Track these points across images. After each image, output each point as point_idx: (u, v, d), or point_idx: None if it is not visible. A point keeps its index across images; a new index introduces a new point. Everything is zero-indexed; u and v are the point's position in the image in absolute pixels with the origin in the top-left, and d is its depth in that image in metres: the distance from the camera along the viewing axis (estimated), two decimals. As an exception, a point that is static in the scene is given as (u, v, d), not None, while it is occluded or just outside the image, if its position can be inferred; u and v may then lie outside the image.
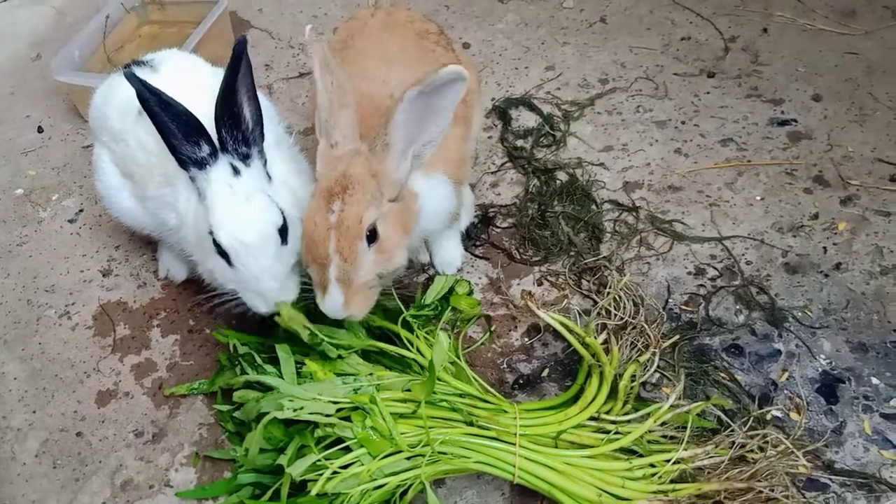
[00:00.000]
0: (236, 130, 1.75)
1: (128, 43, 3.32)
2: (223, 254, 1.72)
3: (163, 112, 1.69)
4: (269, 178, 1.82)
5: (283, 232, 1.75)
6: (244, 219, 1.71)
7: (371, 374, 1.77)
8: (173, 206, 1.90)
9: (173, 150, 1.73)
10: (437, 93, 1.63)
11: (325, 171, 1.71)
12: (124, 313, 2.29)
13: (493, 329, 2.15)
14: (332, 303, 1.68)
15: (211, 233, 1.70)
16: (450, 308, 2.04)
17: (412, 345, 1.86)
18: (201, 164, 1.74)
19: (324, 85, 1.71)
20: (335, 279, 1.65)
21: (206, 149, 1.73)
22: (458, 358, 1.87)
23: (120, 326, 2.26)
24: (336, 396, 1.70)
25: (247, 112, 1.77)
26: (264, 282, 1.74)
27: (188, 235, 1.87)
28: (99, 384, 2.11)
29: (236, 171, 1.74)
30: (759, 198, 2.47)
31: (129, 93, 2.00)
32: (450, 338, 1.95)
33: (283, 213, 1.75)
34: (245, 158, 1.77)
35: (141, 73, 2.04)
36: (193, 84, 2.01)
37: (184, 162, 1.74)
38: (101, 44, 3.19)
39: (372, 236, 1.67)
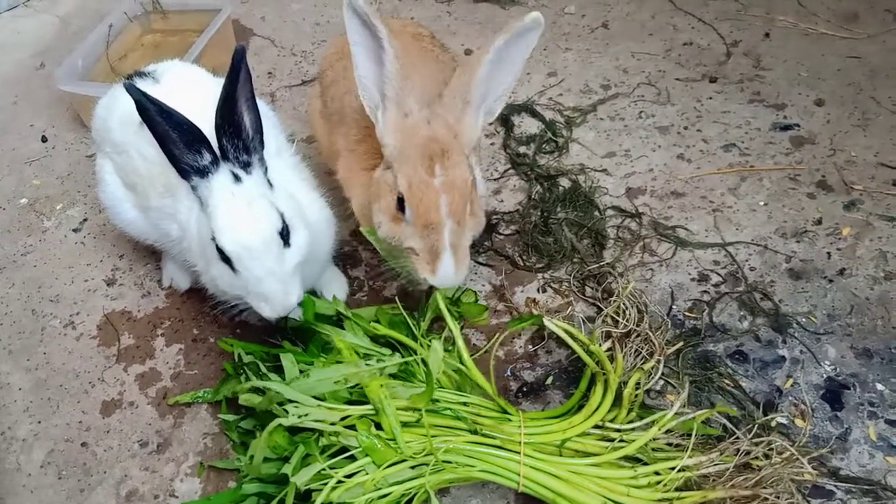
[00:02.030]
0: (237, 139, 1.76)
1: (131, 52, 3.33)
2: (226, 260, 1.72)
3: (163, 122, 1.70)
4: (271, 185, 1.82)
5: (285, 235, 1.75)
6: (245, 223, 1.71)
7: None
8: (174, 217, 1.91)
9: (174, 161, 1.74)
10: (515, 42, 1.70)
11: (404, 140, 1.72)
12: (129, 323, 2.30)
13: (509, 330, 2.14)
14: (446, 269, 1.67)
15: (214, 239, 1.71)
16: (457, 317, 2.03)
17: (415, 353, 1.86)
18: (203, 173, 1.74)
19: (395, 51, 1.70)
20: (449, 244, 1.66)
21: (207, 157, 1.74)
22: (464, 364, 1.87)
23: (124, 336, 2.26)
24: (352, 380, 1.73)
25: (247, 120, 1.78)
26: (268, 284, 1.74)
27: (191, 245, 1.87)
28: (104, 394, 2.11)
29: (237, 179, 1.75)
30: (762, 203, 2.47)
31: (130, 104, 2.00)
32: (451, 346, 1.96)
33: (283, 216, 1.75)
34: (246, 166, 1.77)
35: (143, 84, 2.05)
36: (195, 95, 2.02)
37: (185, 171, 1.75)
38: (104, 53, 3.19)
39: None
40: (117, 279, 2.44)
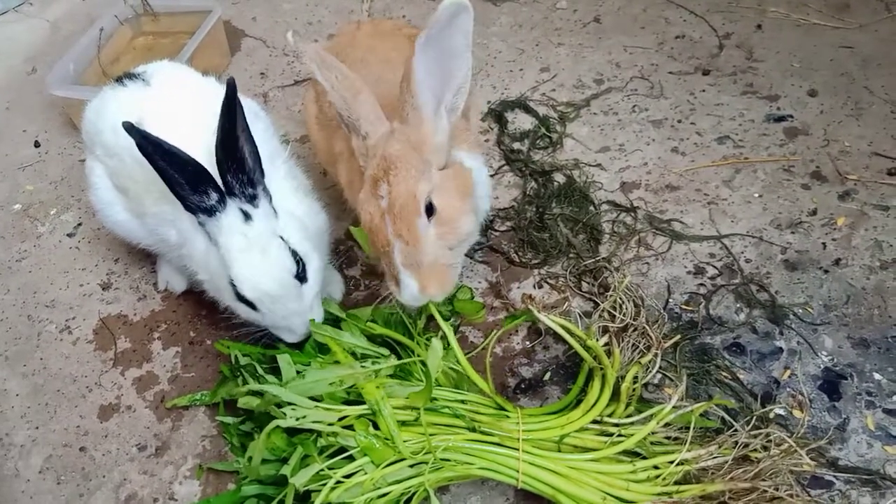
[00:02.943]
0: (241, 174, 1.75)
1: (123, 55, 3.32)
2: (247, 301, 1.75)
3: (167, 164, 1.68)
4: (275, 212, 1.83)
5: (301, 274, 1.78)
6: (264, 272, 1.73)
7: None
8: (174, 224, 1.90)
9: (180, 198, 1.74)
10: (446, 33, 1.59)
11: (368, 163, 1.70)
12: (125, 326, 2.29)
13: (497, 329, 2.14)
14: (407, 290, 1.65)
15: (232, 283, 1.73)
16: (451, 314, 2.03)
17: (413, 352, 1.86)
18: (210, 212, 1.74)
19: (329, 83, 1.68)
20: (402, 265, 1.63)
21: (214, 196, 1.73)
22: (460, 363, 1.86)
23: (121, 340, 2.26)
24: (347, 382, 1.73)
25: (247, 152, 1.77)
26: (291, 319, 1.80)
27: (193, 257, 1.87)
28: (101, 398, 2.11)
29: (247, 217, 1.75)
30: (756, 195, 2.47)
31: (121, 106, 2.01)
32: (448, 345, 1.96)
33: (297, 255, 1.77)
34: (252, 199, 1.77)
35: (134, 86, 2.05)
36: (187, 96, 2.02)
37: (191, 208, 1.75)
38: (95, 57, 3.19)
39: (429, 210, 1.63)
40: (113, 283, 2.44)
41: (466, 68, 1.69)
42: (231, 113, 1.69)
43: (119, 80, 2.10)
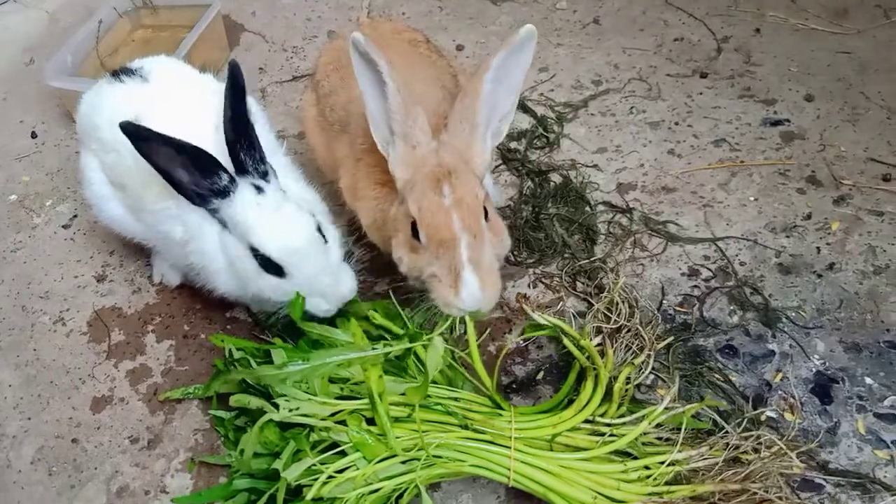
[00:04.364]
0: (253, 150, 1.78)
1: (121, 47, 3.32)
2: (273, 268, 1.75)
3: (171, 151, 1.69)
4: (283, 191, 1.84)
5: (321, 232, 1.79)
6: (286, 227, 1.75)
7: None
8: (180, 219, 1.90)
9: (182, 189, 1.75)
10: (512, 59, 1.68)
11: (414, 171, 1.71)
12: (119, 319, 2.29)
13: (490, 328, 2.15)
14: (469, 288, 1.60)
15: (255, 253, 1.74)
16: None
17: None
18: (224, 194, 1.76)
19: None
20: (468, 259, 1.60)
21: (225, 177, 1.75)
22: (455, 361, 1.87)
23: (115, 332, 2.25)
24: (354, 364, 1.73)
25: (253, 131, 1.79)
26: (321, 279, 1.78)
27: (204, 250, 1.86)
28: (94, 390, 2.11)
29: (259, 190, 1.77)
30: (752, 198, 2.47)
31: (118, 100, 2.01)
32: (447, 341, 1.96)
33: (314, 215, 1.79)
34: (264, 176, 1.80)
35: (131, 81, 2.04)
36: (185, 92, 2.02)
37: (201, 197, 1.75)
38: (94, 48, 3.18)
39: (485, 214, 1.67)
40: (107, 275, 2.44)
41: (515, 97, 1.78)
42: (238, 93, 1.74)
43: (115, 74, 2.09)
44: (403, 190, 1.74)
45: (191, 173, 1.73)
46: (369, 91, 1.72)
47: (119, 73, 2.09)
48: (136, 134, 1.68)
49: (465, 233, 1.61)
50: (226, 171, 1.75)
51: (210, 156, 1.73)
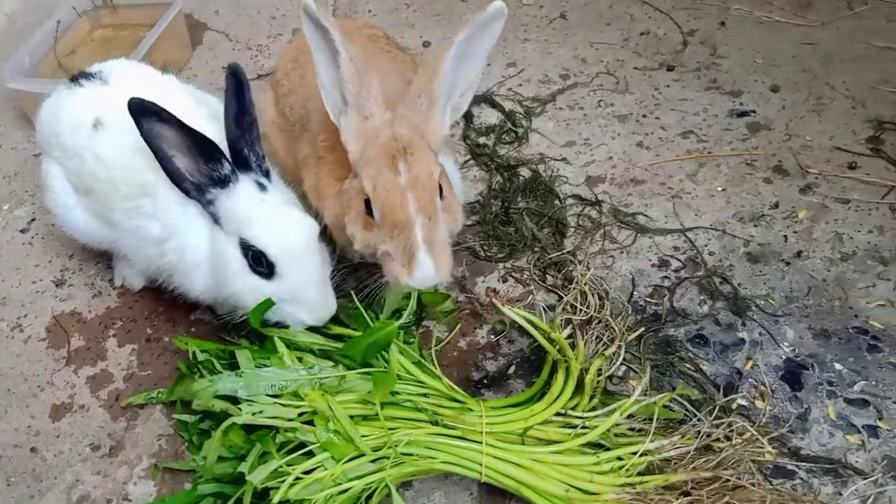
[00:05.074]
0: (257, 147, 1.76)
1: (80, 47, 3.24)
2: (263, 267, 1.70)
3: (178, 133, 1.65)
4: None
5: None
6: (289, 227, 1.72)
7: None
8: (155, 217, 1.84)
9: (178, 178, 1.70)
10: (479, 35, 1.67)
11: (367, 144, 1.68)
12: (79, 324, 2.23)
13: (461, 324, 2.13)
14: (423, 269, 1.59)
15: (247, 249, 1.69)
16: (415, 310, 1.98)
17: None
18: (224, 183, 1.71)
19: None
20: (423, 241, 1.59)
21: (227, 167, 1.72)
22: (424, 357, 1.84)
23: (74, 337, 2.19)
24: (297, 382, 1.69)
25: (257, 128, 1.78)
26: (311, 289, 1.74)
27: (184, 247, 1.81)
28: (53, 398, 2.05)
29: (262, 187, 1.75)
30: (720, 189, 2.47)
31: (78, 106, 1.96)
32: (414, 337, 1.93)
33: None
34: (267, 175, 1.78)
35: (91, 85, 2.00)
36: (146, 92, 1.95)
37: (198, 187, 1.71)
38: (51, 49, 3.10)
39: (440, 192, 1.64)
40: (67, 280, 2.37)
41: (478, 72, 1.76)
42: (241, 91, 1.72)
43: (74, 79, 2.05)
44: (356, 164, 1.71)
45: (193, 158, 1.69)
46: (321, 59, 1.69)
47: (78, 77, 2.05)
48: (143, 112, 1.63)
49: (420, 215, 1.59)
50: (229, 160, 1.72)
51: (214, 144, 1.69)
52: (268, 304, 1.75)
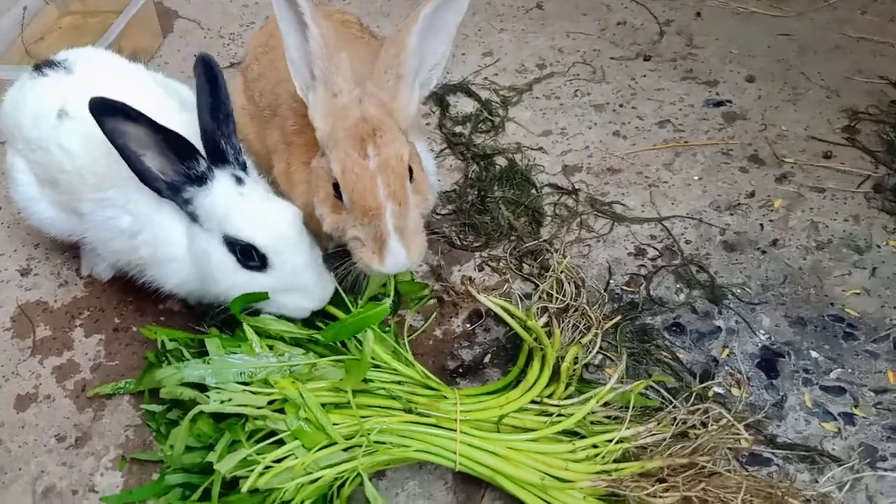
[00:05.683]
0: (233, 140, 1.71)
1: (48, 34, 3.17)
2: (255, 260, 1.66)
3: (151, 133, 1.58)
4: None
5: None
6: (274, 216, 1.68)
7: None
8: (125, 208, 1.77)
9: (148, 178, 1.63)
10: (444, 8, 1.62)
11: (335, 122, 1.63)
12: (44, 314, 2.17)
13: (440, 312, 2.10)
14: (395, 256, 1.56)
15: (233, 245, 1.65)
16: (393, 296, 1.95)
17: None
18: (201, 180, 1.65)
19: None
20: (394, 227, 1.55)
21: (203, 164, 1.66)
22: (399, 346, 1.81)
23: (40, 327, 2.13)
24: (267, 369, 1.65)
25: (233, 121, 1.72)
26: (307, 274, 1.71)
27: (158, 241, 1.75)
28: (18, 388, 1.99)
29: (240, 181, 1.69)
30: (696, 178, 2.47)
31: (41, 94, 1.90)
32: (390, 325, 1.91)
33: None
34: (244, 168, 1.73)
35: (55, 74, 1.94)
36: (113, 83, 1.89)
37: (173, 187, 1.65)
38: (18, 36, 3.03)
39: (409, 175, 1.60)
40: (32, 269, 2.31)
41: (447, 47, 1.72)
42: (215, 83, 1.67)
43: (38, 68, 1.98)
44: (324, 143, 1.67)
45: (166, 158, 1.62)
46: (290, 33, 1.64)
47: (41, 66, 1.98)
48: (106, 110, 1.55)
49: (390, 201, 1.55)
50: (204, 157, 1.66)
51: (186, 140, 1.62)
52: (260, 296, 1.71)
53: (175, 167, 1.63)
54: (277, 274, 1.69)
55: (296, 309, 1.76)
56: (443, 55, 1.73)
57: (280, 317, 1.77)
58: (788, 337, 1.99)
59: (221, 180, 1.68)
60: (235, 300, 1.71)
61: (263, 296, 1.71)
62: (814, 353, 1.95)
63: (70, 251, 2.32)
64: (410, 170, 1.61)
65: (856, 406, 1.83)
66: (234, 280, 1.70)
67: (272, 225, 1.67)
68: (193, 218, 1.70)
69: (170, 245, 1.75)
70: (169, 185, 1.65)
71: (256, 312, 1.78)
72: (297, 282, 1.72)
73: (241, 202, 1.67)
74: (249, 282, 1.70)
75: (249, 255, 1.66)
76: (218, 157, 1.69)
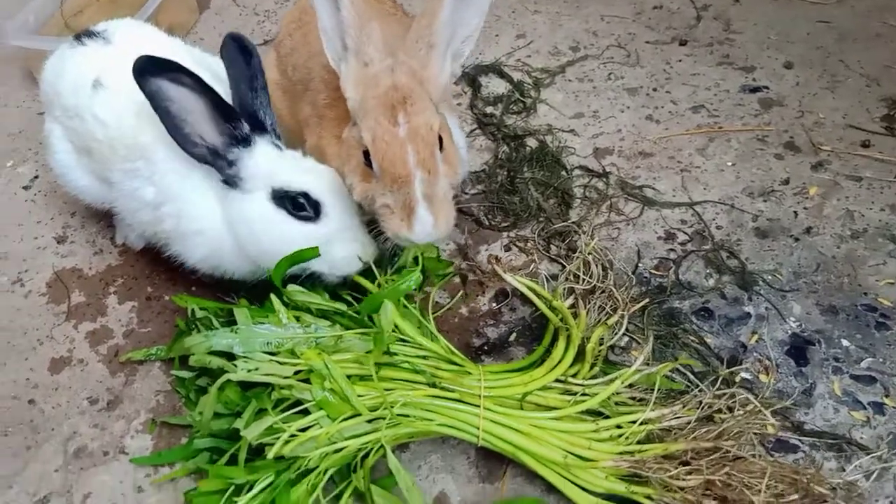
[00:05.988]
0: (270, 110, 1.78)
1: (87, 7, 3.20)
2: (309, 209, 1.70)
3: (198, 93, 1.62)
4: None
5: None
6: (318, 169, 1.75)
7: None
8: (150, 180, 1.81)
9: (190, 142, 1.66)
10: None
11: (366, 91, 1.63)
12: (79, 280, 2.21)
13: (464, 292, 2.10)
14: (423, 224, 1.55)
15: (283, 198, 1.69)
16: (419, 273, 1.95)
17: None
18: (247, 142, 1.70)
19: None
20: (422, 195, 1.55)
21: (246, 126, 1.70)
22: (424, 319, 1.82)
23: (75, 293, 2.18)
24: (294, 339, 1.67)
25: (267, 93, 1.79)
26: (357, 224, 1.76)
27: (184, 213, 1.79)
28: (52, 351, 2.04)
29: (279, 149, 1.76)
30: (730, 163, 2.44)
31: (79, 63, 1.94)
32: (415, 301, 1.91)
33: None
34: (280, 138, 1.78)
35: (94, 45, 1.98)
36: (149, 53, 1.92)
37: (214, 151, 1.68)
38: (58, 8, 3.07)
39: (440, 145, 1.60)
40: (68, 237, 2.36)
41: (480, 19, 1.71)
42: (249, 57, 1.74)
43: (78, 37, 2.02)
44: (355, 112, 1.67)
45: (211, 120, 1.65)
46: (323, 4, 1.65)
47: (81, 36, 2.02)
48: (151, 70, 1.58)
49: (419, 168, 1.54)
50: (245, 120, 1.70)
51: (230, 104, 1.68)
52: (312, 252, 1.72)
53: (220, 128, 1.67)
54: (331, 222, 1.72)
55: (349, 261, 1.77)
56: (476, 27, 1.72)
57: (313, 286, 1.78)
58: (819, 325, 1.97)
59: (262, 145, 1.73)
60: (281, 261, 1.71)
61: (314, 252, 1.71)
62: (845, 342, 1.93)
63: (105, 220, 2.36)
64: (441, 140, 1.60)
65: (886, 396, 1.81)
66: (285, 235, 1.71)
67: (322, 173, 1.73)
68: (233, 183, 1.72)
69: (194, 219, 1.79)
70: (211, 150, 1.68)
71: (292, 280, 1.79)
72: (350, 232, 1.74)
73: (284, 160, 1.74)
74: (303, 233, 1.71)
75: (301, 206, 1.70)
76: (258, 126, 1.73)
